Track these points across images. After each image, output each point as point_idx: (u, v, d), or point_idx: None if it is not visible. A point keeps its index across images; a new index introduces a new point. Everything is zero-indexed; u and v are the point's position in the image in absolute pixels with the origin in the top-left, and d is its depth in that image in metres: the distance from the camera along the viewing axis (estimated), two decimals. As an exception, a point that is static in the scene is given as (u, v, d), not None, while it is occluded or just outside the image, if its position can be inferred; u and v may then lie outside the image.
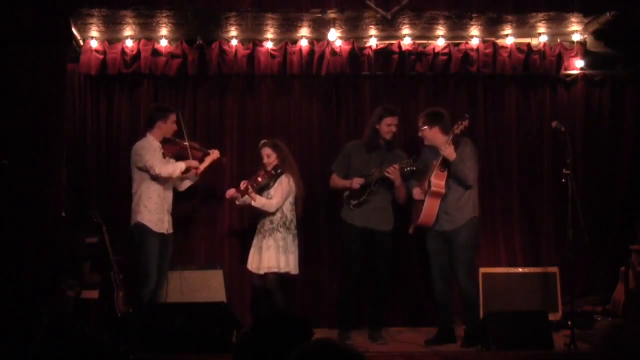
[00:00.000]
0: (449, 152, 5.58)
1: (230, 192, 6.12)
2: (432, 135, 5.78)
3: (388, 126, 5.95)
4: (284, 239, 5.89)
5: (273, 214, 5.92)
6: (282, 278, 5.95)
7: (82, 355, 2.16)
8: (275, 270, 5.85)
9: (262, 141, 6.14)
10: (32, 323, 4.85)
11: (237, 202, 6.17)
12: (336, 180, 6.11)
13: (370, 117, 6.18)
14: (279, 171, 5.99)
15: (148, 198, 5.76)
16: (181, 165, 5.84)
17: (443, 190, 5.65)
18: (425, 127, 5.78)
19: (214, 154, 6.12)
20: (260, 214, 6.02)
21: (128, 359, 4.58)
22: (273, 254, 5.85)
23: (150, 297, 5.70)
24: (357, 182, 5.88)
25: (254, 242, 6.04)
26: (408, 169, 5.77)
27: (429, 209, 5.69)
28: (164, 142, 5.90)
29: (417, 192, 5.84)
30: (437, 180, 5.65)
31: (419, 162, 5.91)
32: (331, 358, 1.98)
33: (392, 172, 5.76)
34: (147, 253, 5.71)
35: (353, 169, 6.01)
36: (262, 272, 5.90)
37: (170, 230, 5.95)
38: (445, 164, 5.63)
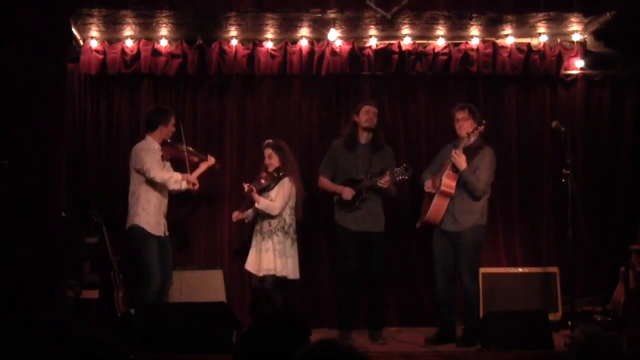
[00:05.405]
0: (460, 162, 5.56)
1: (235, 215, 6.18)
2: (470, 128, 5.70)
3: (366, 113, 5.90)
4: (281, 242, 5.88)
5: (273, 216, 5.92)
6: (279, 281, 5.94)
7: (82, 355, 2.16)
8: (273, 273, 5.85)
9: (267, 141, 6.12)
10: (32, 323, 4.85)
11: (246, 221, 6.23)
12: (325, 183, 6.06)
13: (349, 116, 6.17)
14: (280, 174, 5.97)
15: (147, 201, 5.71)
16: (177, 177, 5.73)
17: (453, 191, 5.62)
18: (469, 118, 5.70)
19: (210, 160, 6.07)
20: (259, 215, 6.01)
21: (128, 359, 4.58)
22: (271, 257, 5.85)
23: (154, 298, 5.67)
24: (348, 193, 5.82)
25: (253, 242, 6.03)
26: (400, 177, 5.76)
27: (437, 207, 5.68)
28: (163, 144, 5.87)
29: (428, 185, 5.80)
30: (448, 181, 5.63)
31: (432, 164, 5.93)
32: (335, 358, 1.98)
33: (385, 182, 5.75)
34: (147, 255, 5.68)
35: (339, 169, 5.98)
36: (260, 274, 5.91)
37: (167, 233, 5.92)
38: (457, 168, 5.62)
